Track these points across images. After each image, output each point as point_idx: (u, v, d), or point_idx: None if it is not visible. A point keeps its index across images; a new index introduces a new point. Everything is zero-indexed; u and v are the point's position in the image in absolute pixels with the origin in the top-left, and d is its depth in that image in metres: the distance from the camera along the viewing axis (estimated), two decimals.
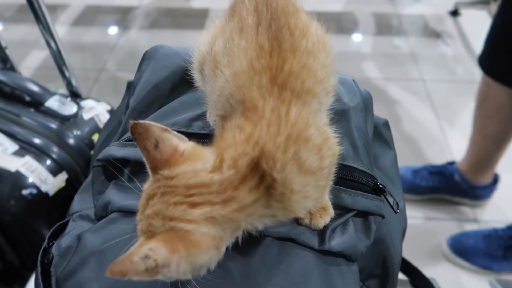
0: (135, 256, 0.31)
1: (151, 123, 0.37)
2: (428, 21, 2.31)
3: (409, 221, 0.66)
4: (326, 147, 0.39)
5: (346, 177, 0.48)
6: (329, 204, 0.46)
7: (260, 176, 0.35)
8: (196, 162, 0.36)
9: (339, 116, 0.52)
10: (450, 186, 1.37)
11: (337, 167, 0.46)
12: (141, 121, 0.37)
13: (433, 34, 2.21)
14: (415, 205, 1.40)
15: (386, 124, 0.67)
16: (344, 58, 1.94)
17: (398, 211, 0.53)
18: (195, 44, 0.49)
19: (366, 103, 0.58)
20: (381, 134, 0.65)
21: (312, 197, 0.39)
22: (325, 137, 0.40)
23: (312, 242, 0.45)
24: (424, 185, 1.38)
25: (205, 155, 0.37)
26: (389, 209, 0.52)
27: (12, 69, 0.91)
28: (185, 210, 0.33)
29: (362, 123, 0.55)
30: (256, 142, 0.35)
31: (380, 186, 0.50)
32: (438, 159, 1.55)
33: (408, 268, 0.66)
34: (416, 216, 1.38)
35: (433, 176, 1.38)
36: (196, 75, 0.50)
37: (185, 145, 0.38)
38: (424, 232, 1.34)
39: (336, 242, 0.45)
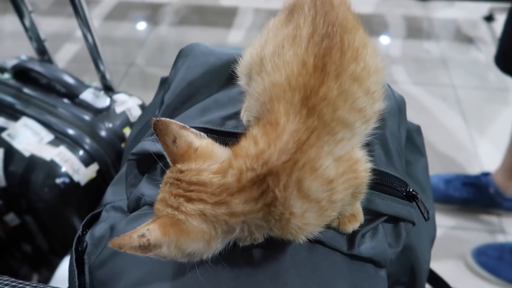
0: (135, 233, 0.34)
1: (171, 121, 0.39)
2: (460, 25, 2.26)
3: None
4: (342, 179, 0.38)
5: (378, 182, 0.47)
6: (360, 211, 0.45)
7: (262, 191, 0.36)
8: (205, 162, 0.38)
9: None
10: (484, 198, 1.33)
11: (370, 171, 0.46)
12: (162, 118, 0.39)
13: (466, 39, 2.16)
14: (441, 212, 1.37)
15: (418, 130, 0.66)
16: None
17: (429, 218, 0.52)
18: (247, 45, 0.49)
19: (400, 108, 0.57)
20: (413, 140, 0.64)
21: (314, 224, 0.39)
22: (345, 167, 0.39)
23: (341, 246, 0.45)
24: (457, 196, 1.35)
25: (216, 156, 0.39)
26: (419, 217, 0.51)
27: (49, 61, 0.94)
28: (182, 203, 0.36)
29: (396, 128, 0.54)
30: (266, 162, 0.36)
31: (413, 192, 0.49)
32: (466, 167, 1.51)
33: (435, 278, 0.65)
34: (441, 224, 1.35)
35: (467, 188, 1.34)
36: (240, 75, 0.50)
37: (200, 142, 0.40)
38: (448, 241, 1.31)
39: (365, 247, 0.45)
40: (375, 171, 0.48)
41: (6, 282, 0.37)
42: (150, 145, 0.51)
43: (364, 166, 0.41)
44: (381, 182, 0.48)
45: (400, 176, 0.50)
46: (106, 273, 0.45)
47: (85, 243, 0.50)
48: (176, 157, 0.39)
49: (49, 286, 0.38)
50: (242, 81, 0.50)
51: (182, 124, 0.40)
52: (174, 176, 0.38)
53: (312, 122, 0.37)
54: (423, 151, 0.66)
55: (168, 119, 0.39)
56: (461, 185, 1.35)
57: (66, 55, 2.01)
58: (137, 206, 0.51)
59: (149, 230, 0.35)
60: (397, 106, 0.56)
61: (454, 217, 1.37)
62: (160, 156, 0.50)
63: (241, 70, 0.50)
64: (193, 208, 0.36)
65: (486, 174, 1.36)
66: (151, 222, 0.36)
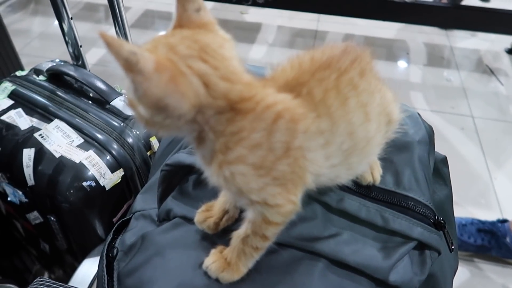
0: (129, 46, 0.31)
1: None
2: (482, 56, 2.26)
3: None
4: (287, 161, 0.37)
5: (409, 207, 0.48)
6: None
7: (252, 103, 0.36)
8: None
9: (404, 147, 0.53)
10: (501, 248, 1.27)
11: (401, 197, 0.47)
12: None
13: (487, 70, 2.16)
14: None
15: (444, 160, 0.66)
16: (391, 85, 1.92)
17: (453, 250, 0.53)
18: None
19: (430, 137, 0.58)
20: (438, 170, 0.65)
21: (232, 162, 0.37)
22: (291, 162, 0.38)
23: (378, 260, 0.45)
24: (471, 243, 1.29)
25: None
26: (443, 247, 0.51)
27: (83, 66, 0.97)
28: (193, 58, 0.34)
29: (426, 157, 0.55)
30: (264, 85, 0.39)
31: (441, 221, 0.49)
32: (479, 199, 1.50)
33: None
34: None
35: (482, 234, 1.28)
36: None
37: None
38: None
39: (393, 274, 0.46)
40: (407, 198, 0.49)
41: (48, 283, 0.38)
42: (184, 157, 0.53)
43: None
44: (412, 208, 0.48)
45: (429, 204, 0.50)
46: (135, 282, 0.46)
47: (116, 249, 0.51)
48: (192, 24, 0.37)
49: None
50: None
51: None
52: (189, 34, 0.36)
53: (301, 89, 0.39)
54: (448, 181, 0.66)
55: None
56: (477, 232, 1.29)
57: (91, 59, 2.05)
58: (167, 217, 0.52)
59: (145, 55, 0.31)
60: (428, 135, 0.57)
61: (467, 265, 1.31)
62: (192, 169, 0.52)
63: None
64: (202, 67, 0.34)
65: (503, 221, 1.30)
66: (145, 50, 0.32)
